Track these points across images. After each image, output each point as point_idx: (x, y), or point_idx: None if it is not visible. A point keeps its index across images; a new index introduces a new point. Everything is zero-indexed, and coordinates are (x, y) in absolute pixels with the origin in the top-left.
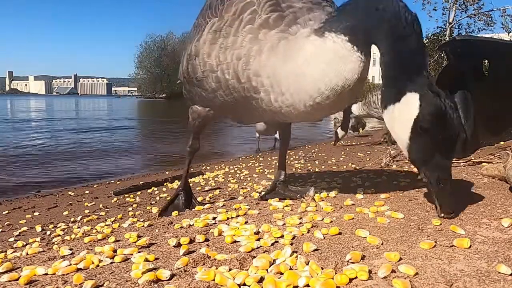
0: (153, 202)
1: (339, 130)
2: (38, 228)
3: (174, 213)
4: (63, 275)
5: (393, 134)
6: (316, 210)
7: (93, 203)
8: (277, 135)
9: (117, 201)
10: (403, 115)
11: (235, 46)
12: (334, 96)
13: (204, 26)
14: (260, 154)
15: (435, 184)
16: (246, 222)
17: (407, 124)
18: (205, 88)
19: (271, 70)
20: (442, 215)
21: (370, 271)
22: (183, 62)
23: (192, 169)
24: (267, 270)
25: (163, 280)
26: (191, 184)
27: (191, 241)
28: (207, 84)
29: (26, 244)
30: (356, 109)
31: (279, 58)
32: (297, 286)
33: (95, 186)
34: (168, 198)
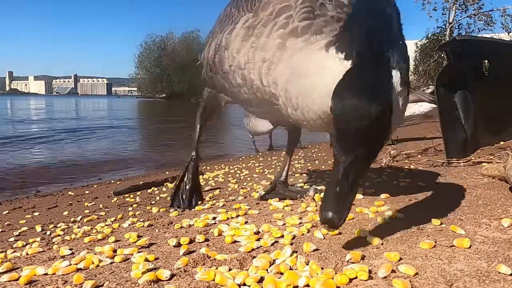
0: (153, 202)
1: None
2: (38, 228)
3: (174, 213)
4: (63, 275)
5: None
6: (316, 210)
7: (93, 203)
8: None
9: (117, 201)
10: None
11: (264, 48)
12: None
13: (237, 18)
14: (260, 154)
15: (335, 178)
16: (246, 222)
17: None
18: (230, 81)
19: (285, 83)
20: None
21: (370, 271)
22: (210, 49)
23: None
24: (267, 270)
25: (163, 280)
26: None
27: (191, 241)
28: (233, 79)
29: (26, 244)
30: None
31: (293, 70)
32: (297, 286)
33: (95, 186)
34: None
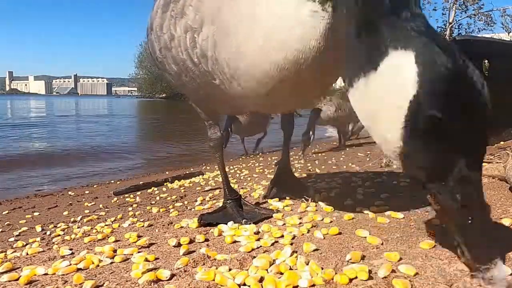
0: (153, 202)
1: (310, 134)
2: (38, 228)
3: (174, 213)
4: (63, 275)
5: (369, 129)
6: (316, 210)
7: (93, 203)
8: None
9: (117, 201)
10: (387, 94)
11: (183, 13)
12: (288, 77)
13: None
14: (251, 156)
15: (461, 216)
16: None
17: (395, 111)
18: (168, 72)
19: (213, 52)
20: (476, 269)
21: (370, 271)
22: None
23: (192, 169)
24: (267, 270)
25: (163, 280)
26: (190, 184)
27: (191, 241)
28: (169, 67)
29: (26, 244)
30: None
31: (217, 35)
32: (297, 286)
33: (95, 186)
34: (170, 198)
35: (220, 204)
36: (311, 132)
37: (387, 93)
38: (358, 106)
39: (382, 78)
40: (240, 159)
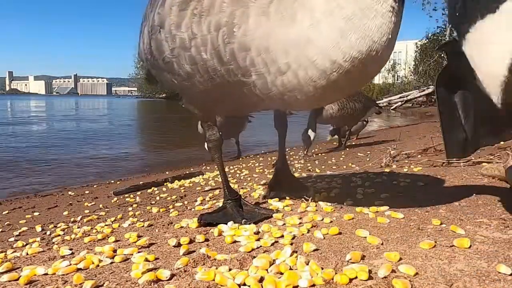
0: (153, 202)
1: (310, 133)
2: (38, 228)
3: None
4: (63, 275)
5: (477, 68)
6: (316, 210)
7: (93, 203)
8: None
9: (117, 201)
10: (504, 31)
11: (212, 11)
12: (356, 69)
13: None
14: (242, 158)
15: None
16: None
17: (506, 45)
18: (177, 73)
19: (264, 41)
20: None
21: (370, 271)
22: (143, 37)
23: (192, 169)
24: (267, 270)
25: (163, 280)
26: (190, 184)
27: (191, 241)
28: (179, 68)
29: (26, 244)
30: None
31: (274, 22)
32: (297, 286)
33: (95, 186)
34: (170, 198)
35: (220, 204)
36: (310, 131)
37: (505, 30)
38: (473, 48)
39: (500, 18)
40: (240, 159)
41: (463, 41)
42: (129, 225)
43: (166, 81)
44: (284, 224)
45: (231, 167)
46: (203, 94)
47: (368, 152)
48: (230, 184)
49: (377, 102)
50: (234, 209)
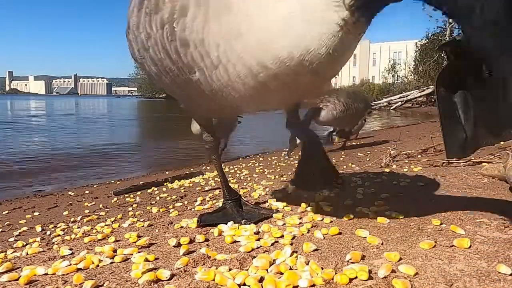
0: (153, 202)
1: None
2: (38, 228)
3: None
4: (63, 275)
5: None
6: (316, 210)
7: (93, 203)
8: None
9: (117, 201)
10: None
11: (157, 8)
12: (286, 75)
13: None
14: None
15: None
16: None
17: None
18: (150, 73)
19: (199, 34)
20: None
21: (370, 271)
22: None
23: (192, 169)
24: (267, 270)
25: (163, 280)
26: (190, 184)
27: (191, 241)
28: (148, 69)
29: (26, 244)
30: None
31: (210, 12)
32: (297, 286)
33: (95, 186)
34: (169, 198)
35: (220, 204)
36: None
37: None
38: None
39: None
40: (240, 159)
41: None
42: (129, 225)
43: (154, 83)
44: (284, 224)
45: (231, 167)
46: (177, 95)
47: (368, 152)
48: (230, 184)
49: (377, 102)
50: (234, 209)
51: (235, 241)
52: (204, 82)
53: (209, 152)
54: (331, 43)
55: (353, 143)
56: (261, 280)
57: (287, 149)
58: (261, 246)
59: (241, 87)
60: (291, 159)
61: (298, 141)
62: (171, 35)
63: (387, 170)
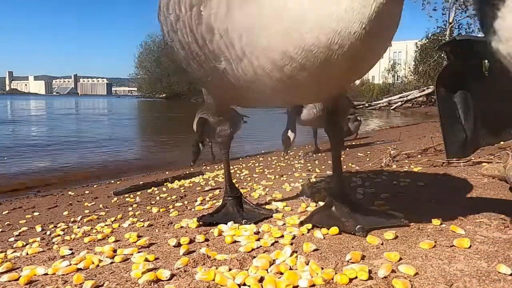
0: (153, 202)
1: (290, 133)
2: (38, 228)
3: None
4: (63, 275)
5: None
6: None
7: (93, 203)
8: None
9: (117, 201)
10: None
11: None
12: (313, 66)
13: None
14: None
15: None
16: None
17: None
18: (179, 57)
19: (223, 22)
20: None
21: (370, 271)
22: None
23: (192, 169)
24: (267, 270)
25: (163, 280)
26: (190, 184)
27: (191, 241)
28: (178, 53)
29: (26, 244)
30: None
31: (232, 0)
32: (297, 286)
33: (95, 186)
34: (170, 198)
35: (221, 203)
36: (290, 131)
37: None
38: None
39: None
40: (240, 159)
41: (493, 37)
42: (129, 225)
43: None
44: (284, 224)
45: (231, 167)
46: (204, 82)
47: (368, 152)
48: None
49: (377, 102)
50: (235, 208)
51: (235, 241)
52: (231, 73)
53: (221, 145)
54: (365, 15)
55: (353, 143)
56: (261, 280)
57: (284, 150)
58: (261, 246)
59: (269, 81)
60: (291, 159)
61: (291, 139)
62: (198, 18)
63: (387, 170)
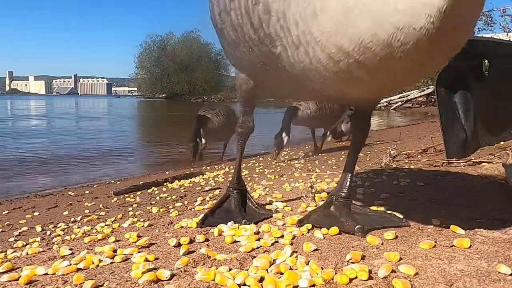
0: (153, 202)
1: (283, 136)
2: (38, 228)
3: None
4: (63, 275)
5: None
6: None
7: (93, 203)
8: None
9: (117, 201)
10: None
11: None
12: (374, 62)
13: None
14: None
15: None
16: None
17: None
18: (228, 41)
19: (281, 5)
20: None
21: (370, 271)
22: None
23: (192, 169)
24: (267, 270)
25: (163, 280)
26: (190, 184)
27: (191, 241)
28: (227, 35)
29: (26, 244)
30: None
31: None
32: (297, 286)
33: (95, 186)
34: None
35: None
36: (284, 134)
37: None
38: None
39: None
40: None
41: None
42: (129, 225)
43: (226, 50)
44: (284, 224)
45: (231, 167)
46: (252, 68)
47: (368, 152)
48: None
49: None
50: (236, 205)
51: (235, 241)
52: (286, 60)
53: (239, 136)
54: (434, 8)
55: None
56: (261, 280)
57: (274, 153)
58: (261, 246)
59: (325, 73)
60: (292, 158)
61: (284, 142)
62: None
63: (387, 170)
